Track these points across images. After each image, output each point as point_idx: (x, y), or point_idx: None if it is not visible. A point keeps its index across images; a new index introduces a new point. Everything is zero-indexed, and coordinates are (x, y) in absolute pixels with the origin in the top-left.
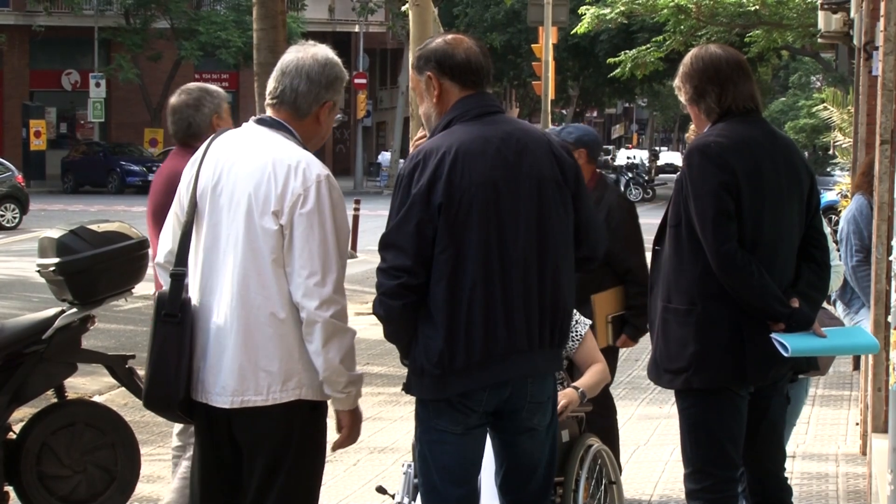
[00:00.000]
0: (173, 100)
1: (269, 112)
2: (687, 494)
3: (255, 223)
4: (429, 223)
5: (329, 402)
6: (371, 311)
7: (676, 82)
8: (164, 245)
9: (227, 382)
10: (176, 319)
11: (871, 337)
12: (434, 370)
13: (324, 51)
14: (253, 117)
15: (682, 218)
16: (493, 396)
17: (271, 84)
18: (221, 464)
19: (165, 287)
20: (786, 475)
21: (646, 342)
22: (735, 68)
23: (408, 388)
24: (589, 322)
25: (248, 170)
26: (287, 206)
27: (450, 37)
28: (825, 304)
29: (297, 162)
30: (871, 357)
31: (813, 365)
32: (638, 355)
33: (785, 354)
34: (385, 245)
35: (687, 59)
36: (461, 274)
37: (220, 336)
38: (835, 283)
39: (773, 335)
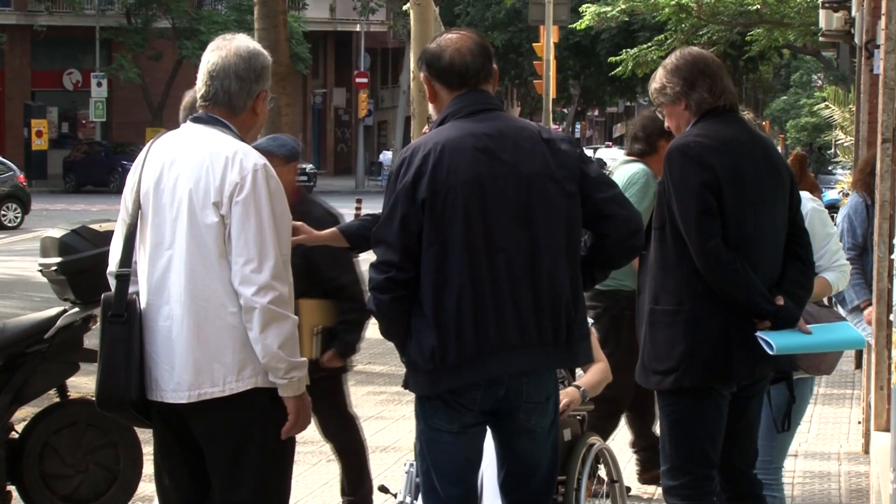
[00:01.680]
0: (187, 98)
1: (200, 110)
2: (664, 490)
3: (198, 217)
4: (413, 218)
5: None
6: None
7: (658, 83)
8: (116, 254)
9: (182, 378)
10: (122, 319)
11: (856, 331)
12: (426, 365)
13: (244, 43)
14: (189, 116)
15: (665, 219)
16: (488, 395)
17: (201, 87)
18: (184, 458)
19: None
20: (784, 475)
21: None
22: (720, 66)
23: (406, 384)
24: (591, 321)
25: (187, 166)
26: (226, 196)
27: (446, 37)
28: (828, 304)
29: (234, 153)
30: (873, 356)
31: (793, 365)
32: None
33: (770, 353)
34: (375, 241)
35: (669, 59)
36: (447, 269)
37: (171, 333)
38: (841, 283)
39: (759, 333)
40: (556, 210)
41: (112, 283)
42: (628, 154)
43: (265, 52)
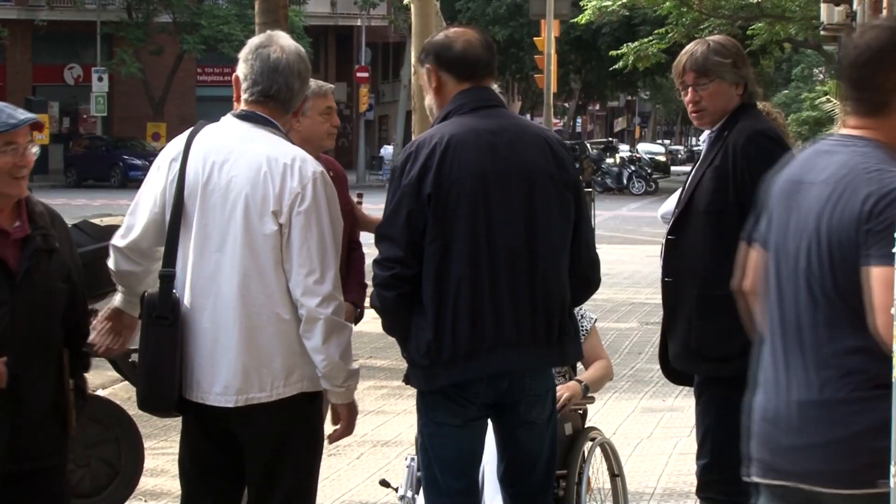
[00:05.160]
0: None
1: (247, 107)
2: (701, 484)
3: (255, 224)
4: (419, 214)
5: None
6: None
7: (721, 58)
8: (131, 231)
9: (230, 382)
10: (168, 321)
11: None
12: (423, 361)
13: (295, 43)
14: (232, 111)
15: (729, 204)
16: (490, 389)
17: (260, 82)
18: (215, 460)
19: (152, 289)
20: None
21: (650, 334)
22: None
23: (407, 380)
24: (594, 317)
25: (243, 169)
26: (286, 205)
27: (453, 30)
28: None
29: (293, 160)
30: None
31: None
32: (641, 348)
33: None
34: (379, 237)
35: (727, 39)
36: (449, 265)
37: (218, 336)
38: None
39: None
40: (555, 210)
41: (120, 261)
42: None
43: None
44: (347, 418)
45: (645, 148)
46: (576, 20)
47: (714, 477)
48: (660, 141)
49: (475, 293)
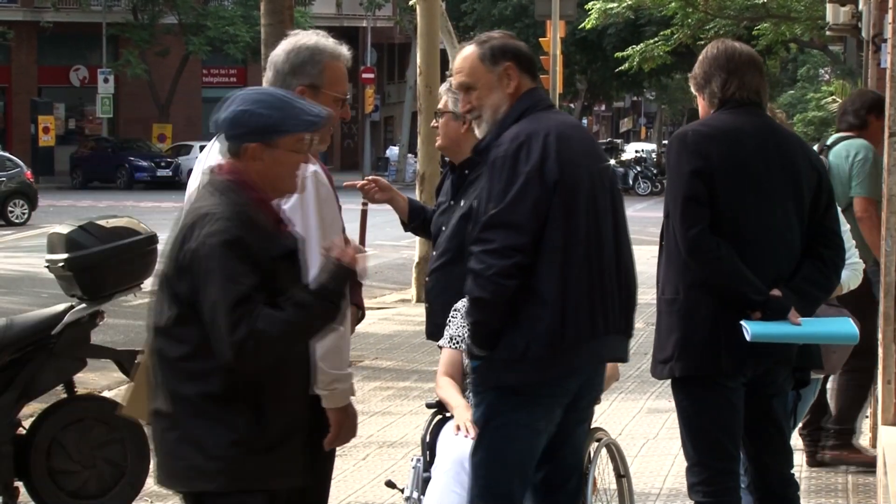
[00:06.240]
0: None
1: None
2: (688, 488)
3: None
4: (544, 201)
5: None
6: (380, 304)
7: (693, 70)
8: None
9: None
10: None
11: (852, 326)
12: (542, 351)
13: (303, 38)
14: None
15: (669, 209)
16: (576, 384)
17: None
18: None
19: None
20: (793, 471)
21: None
22: (747, 61)
23: (486, 379)
24: None
25: None
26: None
27: (504, 32)
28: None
29: None
30: (880, 350)
31: (815, 362)
32: (647, 349)
33: (746, 338)
34: (494, 224)
35: (707, 47)
36: (571, 252)
37: None
38: (853, 282)
39: (742, 322)
40: (621, 202)
41: None
42: (841, 129)
43: (320, 49)
44: (338, 423)
45: (641, 148)
46: (582, 25)
47: (695, 479)
48: (665, 140)
49: (591, 283)
